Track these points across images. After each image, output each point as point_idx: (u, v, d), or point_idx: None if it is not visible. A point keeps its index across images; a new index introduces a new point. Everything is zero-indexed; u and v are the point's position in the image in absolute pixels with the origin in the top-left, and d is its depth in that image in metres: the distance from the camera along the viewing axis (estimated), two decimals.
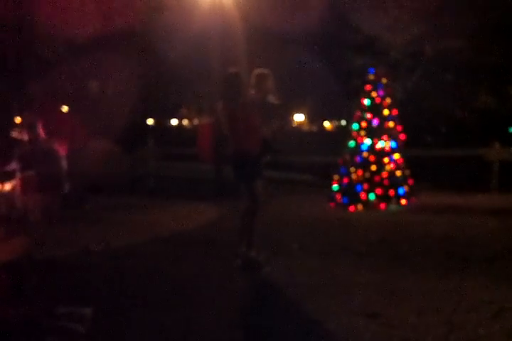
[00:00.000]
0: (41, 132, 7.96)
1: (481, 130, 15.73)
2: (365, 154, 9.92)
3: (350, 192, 9.78)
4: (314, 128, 40.12)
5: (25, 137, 7.81)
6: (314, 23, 13.15)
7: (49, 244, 5.88)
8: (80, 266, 5.76)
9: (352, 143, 10.10)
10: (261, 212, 5.77)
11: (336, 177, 10.10)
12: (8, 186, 6.16)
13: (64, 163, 8.28)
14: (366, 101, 10.13)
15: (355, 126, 10.16)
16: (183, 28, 12.30)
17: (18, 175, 7.42)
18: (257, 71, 5.84)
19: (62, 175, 8.37)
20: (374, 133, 9.96)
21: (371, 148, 9.93)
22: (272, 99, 5.78)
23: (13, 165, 6.89)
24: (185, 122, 40.90)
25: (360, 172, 9.85)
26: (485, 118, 16.59)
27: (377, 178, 9.77)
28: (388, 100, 10.15)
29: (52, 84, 9.80)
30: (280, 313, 4.37)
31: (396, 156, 10.02)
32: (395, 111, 10.18)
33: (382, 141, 9.96)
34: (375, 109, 10.04)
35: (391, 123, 10.09)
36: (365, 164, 9.85)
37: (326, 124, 39.30)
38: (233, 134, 5.75)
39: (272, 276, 5.42)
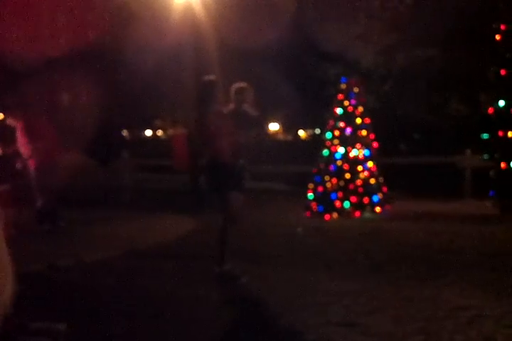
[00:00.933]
0: (20, 144, 7.86)
1: (454, 137, 15.93)
2: (339, 163, 9.98)
3: (325, 201, 9.82)
4: (289, 137, 40.29)
5: None
6: (287, 34, 13.24)
7: (22, 258, 5.74)
8: (54, 281, 5.66)
9: (326, 152, 10.15)
10: (234, 226, 5.70)
11: (310, 186, 10.13)
12: None
13: (35, 177, 8.18)
14: (339, 110, 10.21)
15: (328, 134, 10.23)
16: (155, 39, 12.27)
17: None
18: (236, 84, 5.87)
19: (35, 188, 8.26)
20: (347, 142, 10.04)
21: (345, 157, 9.99)
22: (247, 108, 5.79)
23: None
24: (159, 133, 40.78)
25: (334, 180, 9.90)
26: (457, 126, 16.82)
27: (351, 186, 9.84)
28: (361, 109, 10.24)
29: (25, 97, 9.68)
30: (258, 325, 4.35)
31: (370, 164, 10.10)
32: (367, 120, 10.28)
33: (356, 150, 10.03)
34: (348, 117, 10.13)
35: (364, 132, 10.18)
36: (339, 172, 9.91)
37: (301, 133, 39.50)
38: (207, 142, 5.73)
39: (249, 287, 5.39)
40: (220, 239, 5.63)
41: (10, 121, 8.09)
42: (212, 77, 5.90)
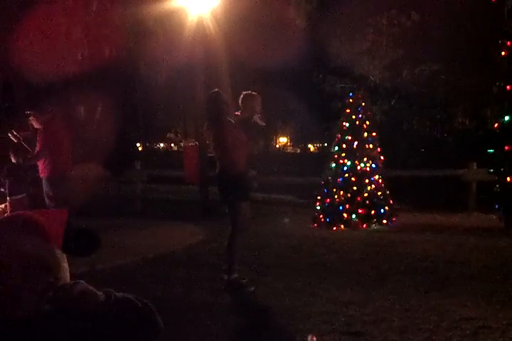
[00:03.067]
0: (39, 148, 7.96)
1: (459, 151, 15.99)
2: (346, 175, 10.08)
3: (332, 213, 9.92)
4: (297, 150, 40.39)
5: (14, 159, 7.83)
6: (295, 49, 13.38)
7: None
8: None
9: (333, 165, 10.27)
10: (242, 236, 5.80)
11: (318, 197, 10.23)
12: None
13: (46, 187, 8.31)
14: (346, 124, 10.34)
15: (336, 148, 10.35)
16: (168, 55, 12.45)
17: (8, 197, 7.38)
18: (245, 92, 6.00)
19: (48, 198, 8.39)
20: (354, 155, 10.15)
21: (352, 170, 10.10)
22: (257, 119, 5.90)
23: (3, 188, 6.88)
24: (172, 145, 40.97)
25: (341, 193, 9.99)
26: (462, 139, 16.88)
27: (358, 199, 9.93)
28: (367, 123, 10.37)
29: (40, 111, 9.87)
30: (264, 333, 4.43)
31: (376, 177, 10.20)
32: (374, 134, 10.40)
33: (363, 163, 10.14)
34: (355, 131, 10.25)
35: (370, 145, 10.29)
36: (346, 185, 10.01)
37: (309, 147, 39.59)
38: (218, 154, 5.85)
39: (256, 297, 5.48)
40: (229, 247, 5.74)
41: (33, 123, 8.10)
42: (217, 90, 6.04)
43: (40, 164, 8.16)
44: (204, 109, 6.15)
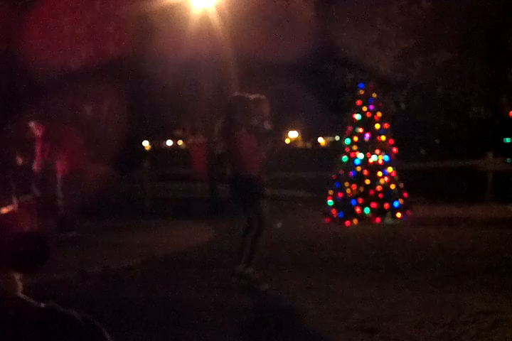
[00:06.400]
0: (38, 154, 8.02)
1: (475, 141, 15.80)
2: (358, 168, 9.93)
3: (345, 207, 9.78)
4: (308, 145, 40.33)
5: (20, 161, 7.85)
6: (303, 41, 13.24)
7: (45, 267, 5.85)
8: (77, 288, 5.72)
9: (345, 158, 10.12)
10: (266, 232, 5.76)
11: (330, 192, 10.10)
12: (4, 211, 6.13)
13: (60, 186, 8.32)
14: (357, 116, 10.19)
15: (347, 140, 10.20)
16: (174, 51, 12.36)
17: (15, 199, 7.37)
18: (253, 96, 5.85)
19: (59, 198, 8.40)
20: (366, 148, 10.00)
21: (364, 163, 9.95)
22: (267, 125, 5.80)
23: (10, 189, 6.85)
24: (180, 143, 41.12)
25: (354, 186, 9.85)
26: (478, 129, 16.68)
27: (371, 192, 9.78)
28: (379, 114, 10.20)
29: (46, 109, 9.85)
30: (278, 331, 4.36)
31: (389, 170, 10.04)
32: (386, 125, 10.23)
33: (375, 155, 9.99)
34: (367, 123, 10.09)
35: (383, 137, 10.13)
36: (358, 178, 9.87)
37: (320, 140, 39.50)
38: (232, 156, 5.77)
39: (270, 294, 5.41)
40: (253, 243, 5.67)
41: (31, 132, 8.23)
42: (240, 93, 5.90)
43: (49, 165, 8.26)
44: (224, 109, 5.99)
